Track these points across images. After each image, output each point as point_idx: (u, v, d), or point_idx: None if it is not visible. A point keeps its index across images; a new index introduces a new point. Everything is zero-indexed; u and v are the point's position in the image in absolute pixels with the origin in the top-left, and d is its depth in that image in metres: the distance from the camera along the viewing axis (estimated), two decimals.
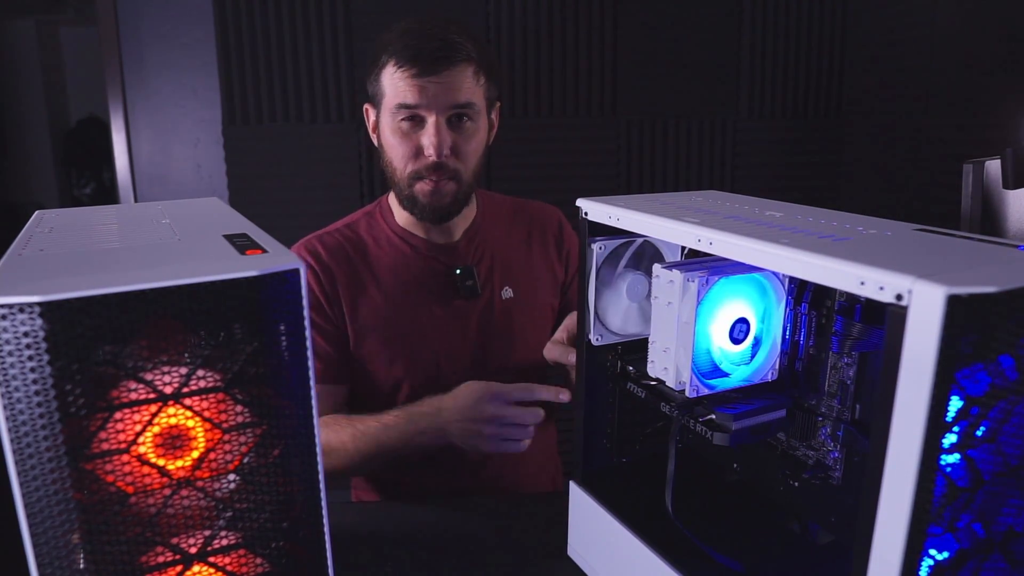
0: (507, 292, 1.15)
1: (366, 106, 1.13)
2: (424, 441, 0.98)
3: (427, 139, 1.03)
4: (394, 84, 1.03)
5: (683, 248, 0.74)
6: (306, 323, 0.47)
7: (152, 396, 0.44)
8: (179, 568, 0.47)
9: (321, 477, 0.50)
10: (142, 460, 0.45)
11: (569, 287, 1.23)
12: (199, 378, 0.45)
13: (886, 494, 0.42)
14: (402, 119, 1.04)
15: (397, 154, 1.06)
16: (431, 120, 1.03)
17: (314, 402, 0.49)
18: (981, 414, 0.42)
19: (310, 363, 0.48)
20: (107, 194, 4.38)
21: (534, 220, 1.22)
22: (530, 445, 1.11)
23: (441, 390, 1.02)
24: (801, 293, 0.62)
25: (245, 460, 0.47)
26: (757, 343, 0.63)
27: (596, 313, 0.73)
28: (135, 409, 0.44)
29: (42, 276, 0.43)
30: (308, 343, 0.47)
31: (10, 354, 0.40)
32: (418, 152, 1.05)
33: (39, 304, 0.40)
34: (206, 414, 0.46)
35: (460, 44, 1.03)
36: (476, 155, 1.09)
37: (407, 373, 1.10)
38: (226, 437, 0.47)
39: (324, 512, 0.51)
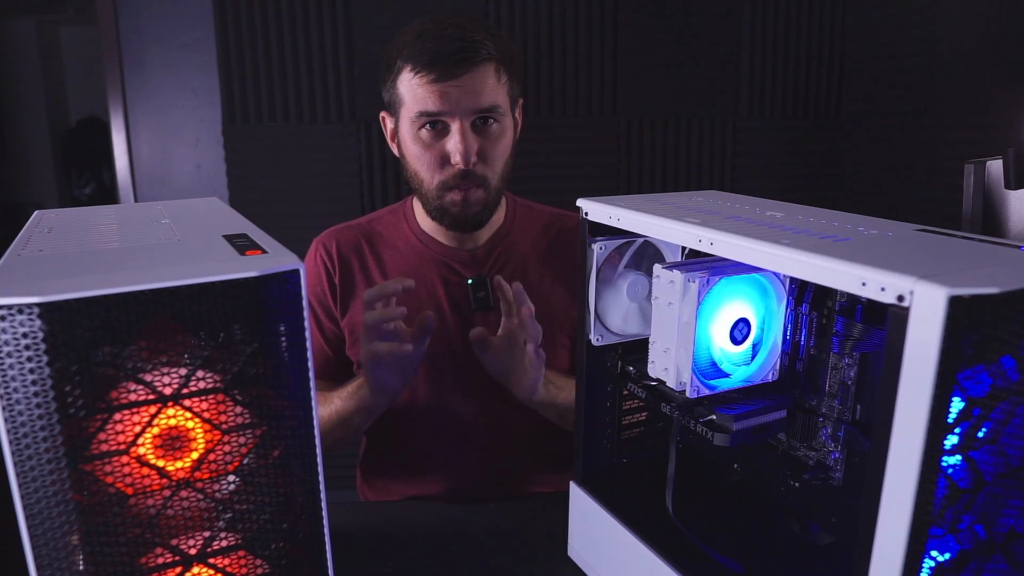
0: None
1: (382, 114, 1.09)
2: (364, 396, 0.97)
3: (453, 146, 0.98)
4: (413, 91, 0.98)
5: (683, 248, 0.74)
6: (306, 324, 0.47)
7: (151, 397, 0.44)
8: (179, 569, 0.47)
9: (321, 478, 0.50)
10: (141, 461, 0.45)
11: None
12: (199, 379, 0.45)
13: (887, 495, 0.42)
14: (424, 127, 0.99)
15: (422, 165, 1.02)
16: (455, 127, 0.98)
17: (314, 403, 0.49)
18: (983, 415, 0.42)
19: (310, 364, 0.48)
20: (107, 194, 4.38)
21: (564, 234, 1.14)
22: (534, 454, 1.10)
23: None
24: (802, 294, 0.62)
25: (245, 461, 0.47)
26: (758, 343, 0.63)
27: (596, 313, 0.73)
28: (134, 410, 0.44)
29: (41, 276, 0.43)
30: (308, 344, 0.47)
31: (9, 355, 0.40)
32: (444, 161, 1.00)
33: (38, 305, 0.40)
34: (206, 415, 0.46)
35: (480, 43, 0.97)
36: (503, 158, 1.04)
37: (418, 379, 1.06)
38: (226, 438, 0.47)
39: (324, 512, 0.51)
